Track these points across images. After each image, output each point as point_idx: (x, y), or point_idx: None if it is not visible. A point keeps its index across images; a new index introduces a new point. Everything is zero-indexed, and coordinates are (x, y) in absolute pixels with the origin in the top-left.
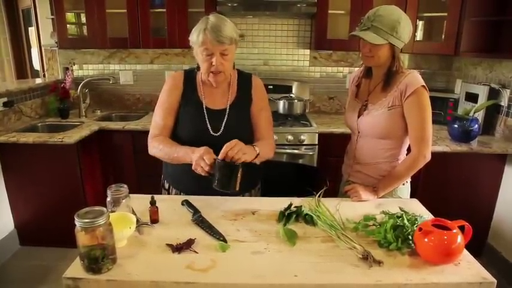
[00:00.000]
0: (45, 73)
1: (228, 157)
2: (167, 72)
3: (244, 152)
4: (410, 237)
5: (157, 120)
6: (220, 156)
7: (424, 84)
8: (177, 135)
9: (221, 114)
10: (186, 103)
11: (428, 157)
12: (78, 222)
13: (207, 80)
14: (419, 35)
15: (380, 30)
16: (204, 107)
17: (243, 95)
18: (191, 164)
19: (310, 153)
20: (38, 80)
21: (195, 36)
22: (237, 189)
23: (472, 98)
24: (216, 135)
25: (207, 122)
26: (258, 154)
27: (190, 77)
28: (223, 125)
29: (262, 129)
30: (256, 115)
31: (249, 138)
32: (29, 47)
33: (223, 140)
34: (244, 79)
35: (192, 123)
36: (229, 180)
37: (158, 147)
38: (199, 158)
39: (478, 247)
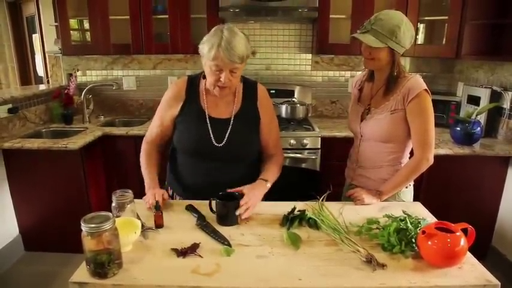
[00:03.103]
0: (49, 79)
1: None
2: (170, 78)
3: (257, 200)
4: (413, 240)
5: (154, 127)
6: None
7: (427, 88)
8: (179, 144)
9: (225, 124)
10: (188, 111)
11: (431, 160)
12: (84, 227)
13: (211, 91)
14: (420, 39)
15: (379, 34)
16: (207, 115)
17: (249, 105)
18: (195, 172)
19: (313, 157)
20: (42, 87)
21: (206, 49)
22: (238, 222)
23: (474, 100)
24: (218, 145)
25: (210, 131)
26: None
27: (193, 84)
28: (226, 135)
29: (272, 145)
30: (266, 129)
31: (251, 150)
32: (33, 53)
33: (226, 150)
34: (249, 88)
35: (194, 132)
36: (227, 216)
37: (142, 160)
38: (151, 195)
39: (483, 250)
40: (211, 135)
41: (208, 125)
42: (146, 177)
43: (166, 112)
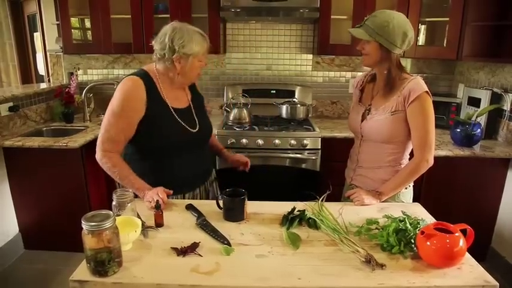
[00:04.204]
0: (50, 78)
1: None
2: None
3: None
4: (412, 240)
5: (113, 134)
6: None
7: (428, 90)
8: (154, 143)
9: (188, 112)
10: (155, 110)
11: (431, 162)
12: (85, 225)
13: (191, 83)
14: (421, 40)
15: (369, 28)
16: (172, 108)
17: (194, 92)
18: (173, 167)
19: (313, 157)
20: (43, 85)
21: (197, 48)
22: (244, 218)
23: (474, 102)
24: (194, 131)
25: (181, 122)
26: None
27: (148, 82)
28: (196, 121)
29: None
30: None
31: (212, 130)
32: (34, 52)
33: (200, 135)
34: None
35: (169, 126)
36: (234, 212)
37: (113, 170)
38: (153, 194)
39: (482, 252)
40: (185, 125)
41: (176, 116)
42: (134, 182)
43: (133, 115)
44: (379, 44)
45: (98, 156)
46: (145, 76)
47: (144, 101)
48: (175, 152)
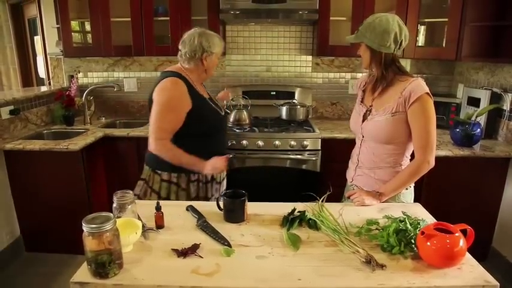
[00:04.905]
0: (51, 81)
1: None
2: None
3: None
4: (413, 241)
5: (162, 125)
6: None
7: (429, 92)
8: (203, 128)
9: (212, 100)
10: (199, 102)
11: (432, 163)
12: (85, 228)
13: (208, 77)
14: (420, 41)
15: (359, 32)
16: (206, 98)
17: (205, 86)
18: (212, 147)
19: (314, 158)
20: (44, 88)
21: (219, 48)
22: (244, 219)
23: (474, 102)
24: (223, 115)
25: (215, 107)
26: None
27: (185, 80)
28: (220, 106)
29: None
30: None
31: None
32: (35, 55)
33: (225, 118)
34: None
35: (213, 113)
36: (235, 213)
37: (172, 151)
38: (217, 162)
39: (483, 251)
40: (218, 110)
41: (212, 105)
42: (191, 158)
43: (182, 108)
44: (366, 45)
45: (152, 146)
46: (180, 76)
47: (188, 95)
48: (214, 135)
